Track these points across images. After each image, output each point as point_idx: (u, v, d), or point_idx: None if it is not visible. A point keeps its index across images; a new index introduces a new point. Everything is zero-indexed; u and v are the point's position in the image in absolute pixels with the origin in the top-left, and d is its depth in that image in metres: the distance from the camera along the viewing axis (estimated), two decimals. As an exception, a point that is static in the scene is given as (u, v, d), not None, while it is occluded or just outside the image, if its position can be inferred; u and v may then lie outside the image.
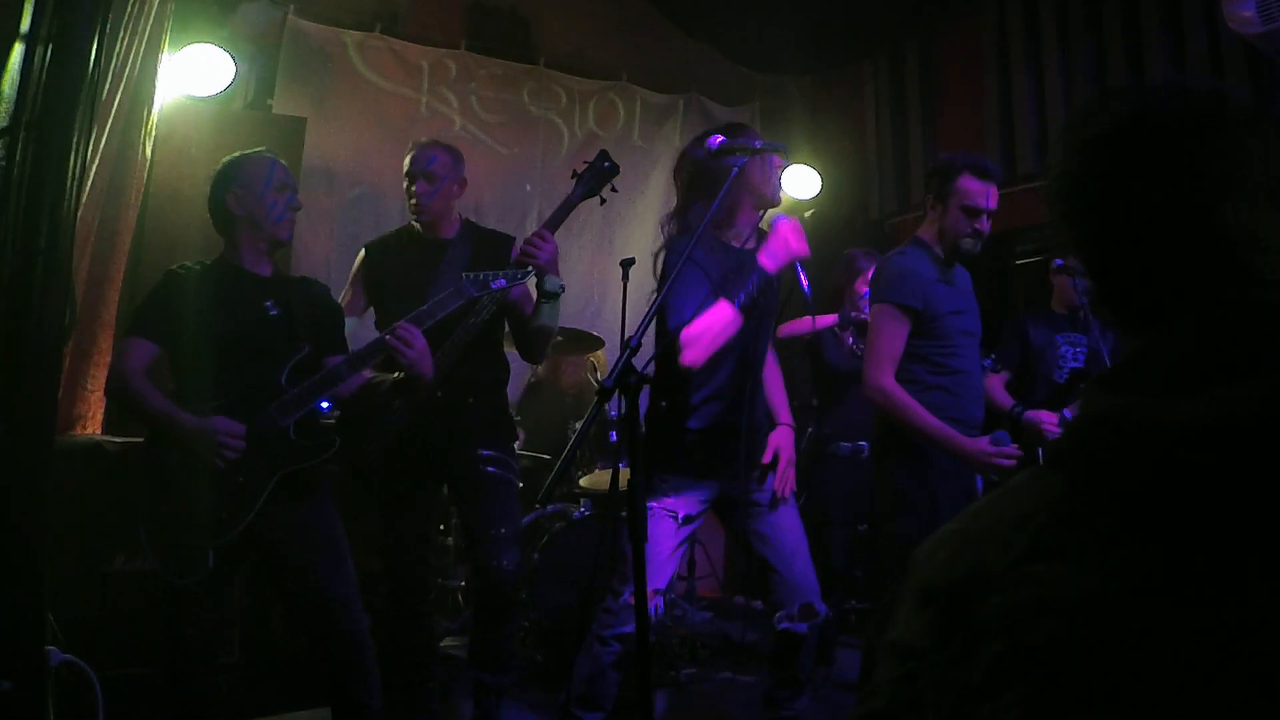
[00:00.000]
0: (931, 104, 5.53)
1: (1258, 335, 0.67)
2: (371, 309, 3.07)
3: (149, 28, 3.41)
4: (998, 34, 4.99)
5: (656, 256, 2.66)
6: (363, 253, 3.09)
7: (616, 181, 2.82)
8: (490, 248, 2.98)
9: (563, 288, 2.89)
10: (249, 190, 2.51)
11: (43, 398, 1.82)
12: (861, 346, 3.87)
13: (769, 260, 2.47)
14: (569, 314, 4.53)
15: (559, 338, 4.00)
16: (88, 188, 3.07)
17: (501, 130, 5.35)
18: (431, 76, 5.15)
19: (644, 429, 2.84)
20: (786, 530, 2.65)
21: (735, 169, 2.39)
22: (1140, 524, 0.63)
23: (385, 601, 2.94)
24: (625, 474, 1.92)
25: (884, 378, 2.72)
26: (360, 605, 2.47)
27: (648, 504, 2.55)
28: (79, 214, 2.07)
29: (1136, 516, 0.64)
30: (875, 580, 4.17)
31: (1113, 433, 0.67)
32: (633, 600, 2.15)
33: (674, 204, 2.75)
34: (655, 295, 2.35)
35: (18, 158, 1.75)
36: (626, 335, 2.18)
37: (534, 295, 2.91)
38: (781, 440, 2.72)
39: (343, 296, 3.02)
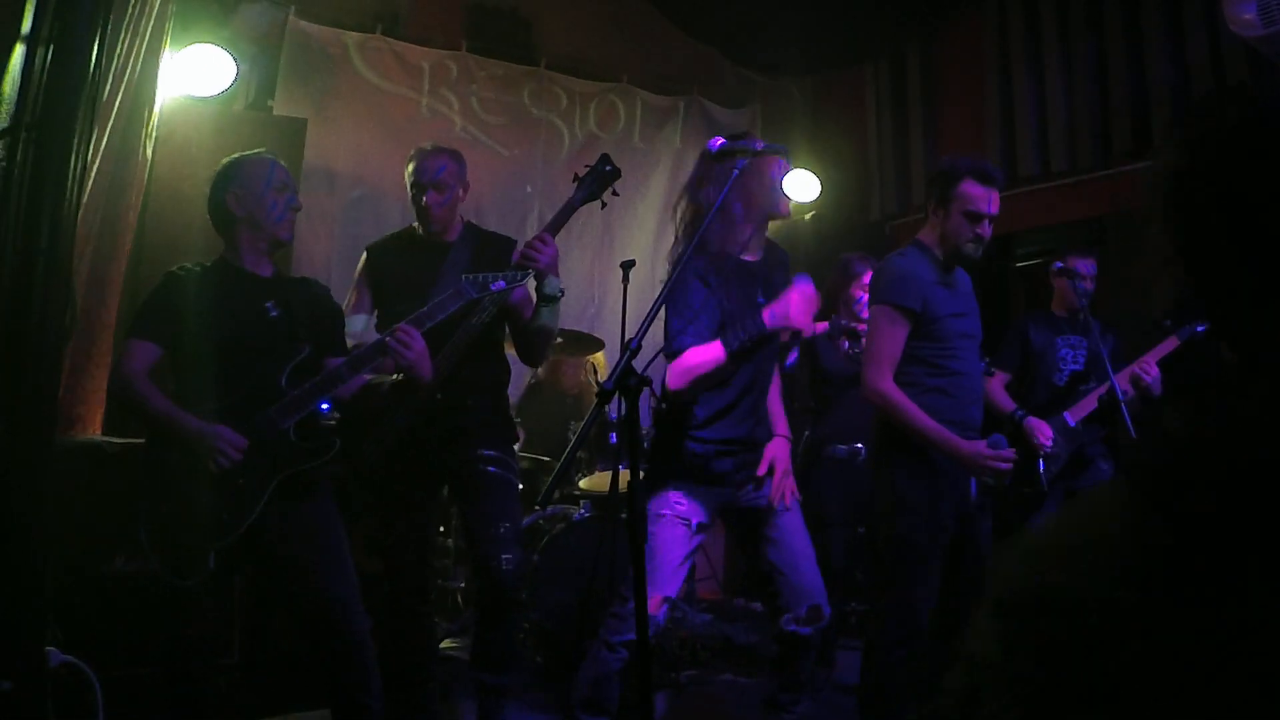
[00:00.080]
0: (932, 105, 5.53)
1: None
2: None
3: (150, 28, 3.41)
4: (998, 35, 5.00)
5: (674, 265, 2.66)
6: (365, 255, 3.10)
7: (617, 184, 2.82)
8: (492, 250, 2.98)
9: (563, 291, 2.89)
10: (249, 191, 2.51)
11: (43, 398, 1.82)
12: (857, 350, 3.87)
13: (769, 318, 2.46)
14: (569, 315, 4.54)
15: (559, 339, 4.00)
16: (88, 188, 3.07)
17: (502, 131, 5.35)
18: (432, 78, 5.16)
19: (653, 434, 2.85)
20: (794, 534, 2.67)
21: (736, 170, 2.39)
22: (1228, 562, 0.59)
23: (385, 602, 2.94)
24: (625, 475, 1.92)
25: (882, 380, 2.72)
26: (360, 606, 2.47)
27: (661, 511, 2.56)
28: (79, 214, 2.07)
29: (1225, 552, 0.59)
30: (875, 581, 4.17)
31: (1206, 463, 0.62)
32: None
33: (675, 205, 2.75)
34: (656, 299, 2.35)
35: (18, 158, 1.75)
36: (627, 337, 2.19)
37: (534, 298, 2.91)
38: (777, 451, 2.74)
39: (348, 298, 3.02)
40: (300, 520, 2.44)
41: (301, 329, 2.53)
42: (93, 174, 3.13)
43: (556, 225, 2.78)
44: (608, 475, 3.83)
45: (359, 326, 2.98)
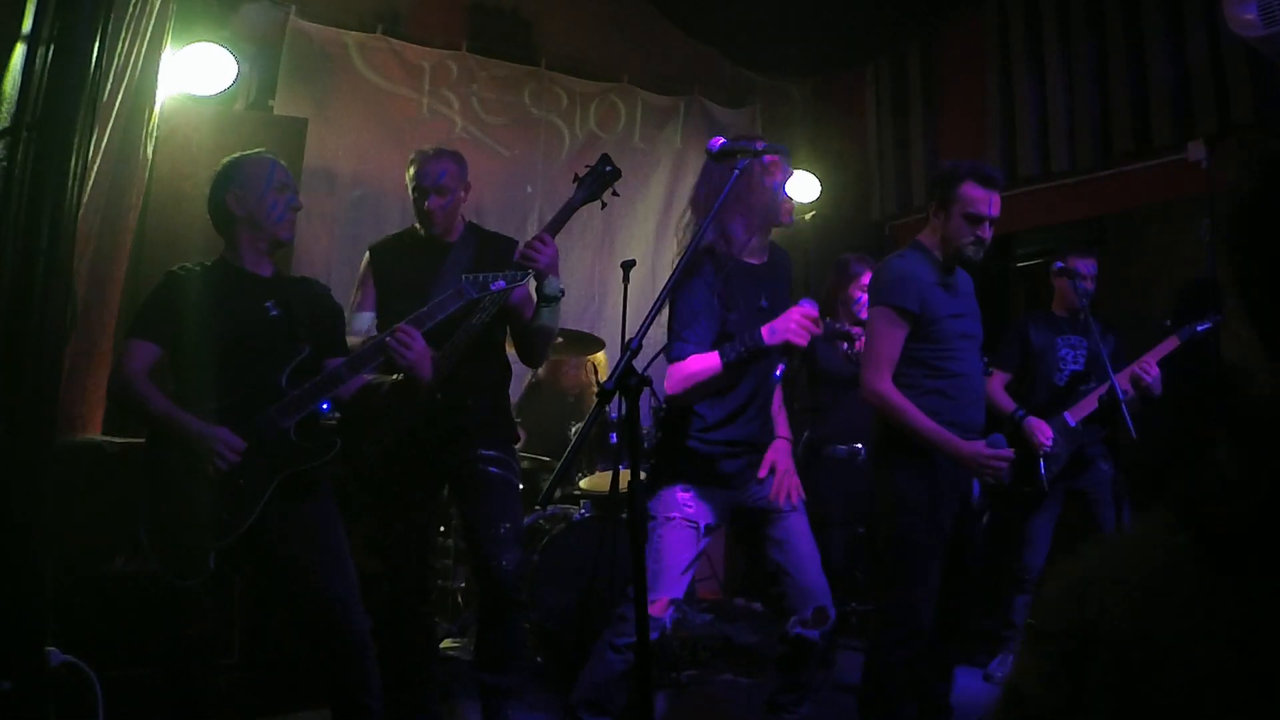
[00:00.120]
0: (932, 106, 5.53)
1: None
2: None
3: (150, 28, 3.40)
4: (999, 36, 5.00)
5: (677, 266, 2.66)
6: (368, 254, 3.10)
7: (617, 184, 2.82)
8: (493, 250, 2.98)
9: (563, 291, 2.89)
10: (249, 190, 2.51)
11: (43, 398, 1.82)
12: (856, 351, 3.87)
13: (767, 334, 2.44)
14: (570, 315, 4.54)
15: (559, 339, 4.00)
16: (88, 188, 3.07)
17: (502, 131, 5.35)
18: (433, 78, 5.15)
19: (658, 435, 2.85)
20: (800, 535, 2.68)
21: (736, 171, 2.39)
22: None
23: (385, 602, 2.94)
24: (625, 476, 1.92)
25: (880, 381, 2.72)
26: (361, 606, 2.47)
27: (670, 514, 2.56)
28: (80, 214, 2.08)
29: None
30: (875, 581, 4.18)
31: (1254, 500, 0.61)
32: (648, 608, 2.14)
33: (675, 206, 2.75)
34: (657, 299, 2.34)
35: (19, 158, 1.75)
36: (627, 337, 2.18)
37: (534, 298, 2.91)
38: (779, 453, 2.74)
39: (353, 296, 3.03)
40: (300, 520, 2.44)
41: (302, 329, 2.53)
42: (93, 174, 3.13)
43: (557, 225, 2.78)
44: (608, 475, 3.83)
45: (365, 325, 2.98)
